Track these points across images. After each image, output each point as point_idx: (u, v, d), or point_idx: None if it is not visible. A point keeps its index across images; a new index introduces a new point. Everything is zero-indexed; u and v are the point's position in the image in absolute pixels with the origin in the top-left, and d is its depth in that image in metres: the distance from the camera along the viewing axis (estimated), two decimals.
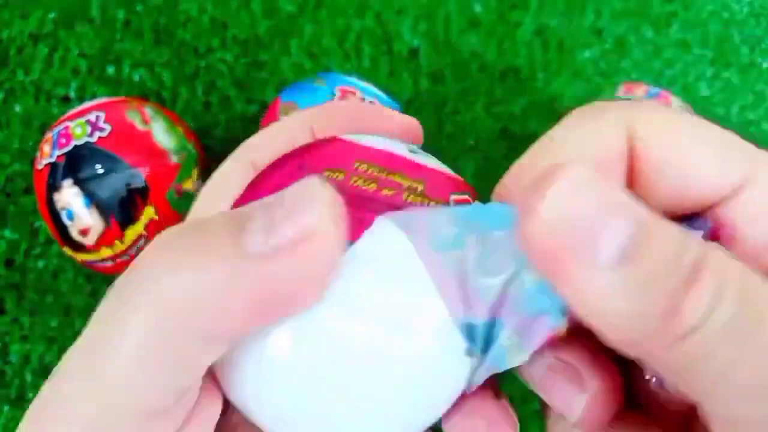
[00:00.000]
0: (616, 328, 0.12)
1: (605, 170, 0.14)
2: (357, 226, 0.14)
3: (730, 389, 0.11)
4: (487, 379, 0.16)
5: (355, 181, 0.15)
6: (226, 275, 0.12)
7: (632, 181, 0.15)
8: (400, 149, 0.16)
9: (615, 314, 0.11)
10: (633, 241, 0.11)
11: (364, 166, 0.15)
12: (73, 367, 0.13)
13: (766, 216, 0.14)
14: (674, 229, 0.12)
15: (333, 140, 0.16)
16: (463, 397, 0.16)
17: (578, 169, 0.12)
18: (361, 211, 0.14)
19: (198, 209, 0.17)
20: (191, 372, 0.13)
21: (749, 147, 0.14)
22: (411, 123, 0.17)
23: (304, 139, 0.17)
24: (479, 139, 0.38)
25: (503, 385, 0.33)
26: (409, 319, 0.13)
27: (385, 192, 0.15)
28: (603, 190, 0.12)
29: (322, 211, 0.12)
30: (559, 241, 0.12)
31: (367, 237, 0.14)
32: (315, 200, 0.12)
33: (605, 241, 0.11)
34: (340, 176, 0.15)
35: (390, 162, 0.15)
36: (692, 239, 0.12)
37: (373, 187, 0.15)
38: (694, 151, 0.14)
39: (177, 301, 0.12)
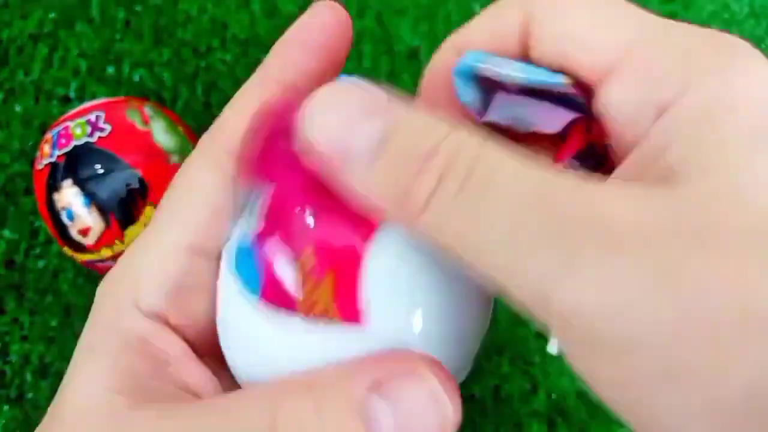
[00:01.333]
0: (386, 213, 0.14)
1: (500, 44, 0.16)
2: None
3: (469, 252, 0.13)
4: None
5: None
6: None
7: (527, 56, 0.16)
8: None
9: (381, 202, 0.14)
10: (383, 138, 0.13)
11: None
12: None
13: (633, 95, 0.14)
14: (421, 121, 0.14)
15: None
16: None
17: (333, 85, 0.14)
18: None
19: (167, 213, 0.18)
20: None
21: (638, 15, 0.15)
22: None
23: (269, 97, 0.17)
24: None
25: (502, 385, 0.33)
26: None
27: None
28: (355, 98, 0.14)
29: (448, 414, 0.14)
30: (324, 150, 0.14)
31: None
32: (437, 407, 0.14)
33: (357, 144, 0.13)
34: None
35: None
36: (438, 127, 0.13)
37: None
38: (578, 25, 0.15)
39: None
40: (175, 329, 0.17)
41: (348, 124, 0.14)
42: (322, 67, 0.18)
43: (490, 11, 0.17)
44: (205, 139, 0.18)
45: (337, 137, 0.14)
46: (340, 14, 0.18)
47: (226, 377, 0.18)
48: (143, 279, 0.17)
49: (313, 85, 0.15)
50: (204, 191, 0.17)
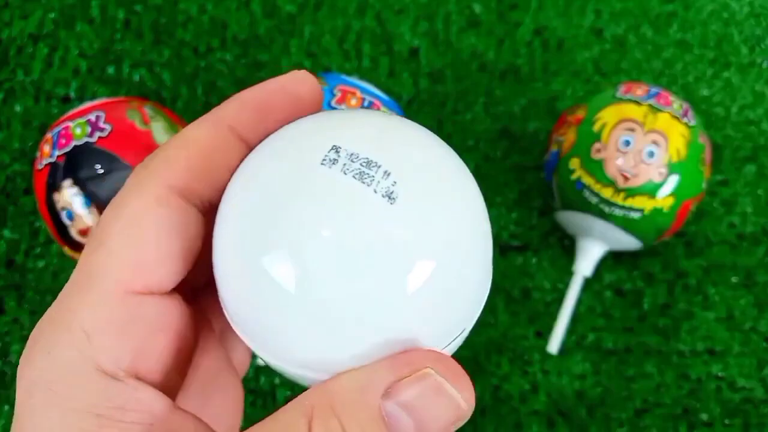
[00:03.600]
0: None
1: None
2: None
3: None
4: None
5: None
6: None
7: None
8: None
9: None
10: None
11: None
12: None
13: None
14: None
15: None
16: None
17: None
18: None
19: (97, 250, 0.16)
20: None
21: None
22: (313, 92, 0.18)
23: (226, 145, 0.17)
24: (479, 139, 0.38)
25: (502, 385, 0.34)
26: None
27: None
28: None
29: (461, 403, 0.15)
30: None
31: None
32: (449, 400, 0.15)
33: None
34: None
35: None
36: None
37: None
38: None
39: None
40: (145, 379, 0.16)
41: None
42: (275, 127, 0.18)
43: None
44: (141, 172, 0.17)
45: None
46: (315, 90, 0.18)
47: (214, 410, 0.19)
48: (97, 333, 0.15)
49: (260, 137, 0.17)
50: (145, 228, 0.16)
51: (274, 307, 0.15)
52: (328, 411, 0.15)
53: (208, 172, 0.17)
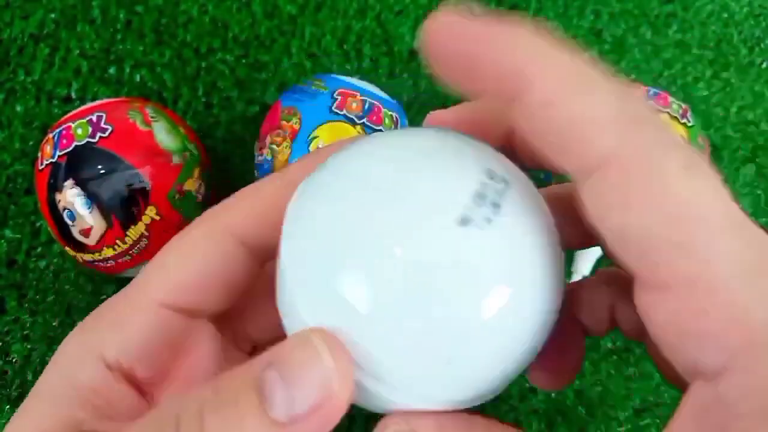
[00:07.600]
0: None
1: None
2: None
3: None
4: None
5: None
6: None
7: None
8: None
9: None
10: None
11: None
12: None
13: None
14: None
15: None
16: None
17: None
18: None
19: (154, 269, 0.18)
20: None
21: (631, 113, 0.14)
22: None
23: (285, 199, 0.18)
24: None
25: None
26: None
27: None
28: None
29: (333, 378, 0.14)
30: None
31: None
32: (322, 370, 0.14)
33: None
34: None
35: None
36: None
37: None
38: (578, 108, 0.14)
39: None
40: (140, 382, 0.18)
41: None
42: None
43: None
44: (208, 213, 0.18)
45: None
46: None
47: None
48: (114, 331, 0.17)
49: None
50: (197, 256, 0.18)
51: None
52: (207, 384, 0.14)
53: (263, 218, 0.18)
